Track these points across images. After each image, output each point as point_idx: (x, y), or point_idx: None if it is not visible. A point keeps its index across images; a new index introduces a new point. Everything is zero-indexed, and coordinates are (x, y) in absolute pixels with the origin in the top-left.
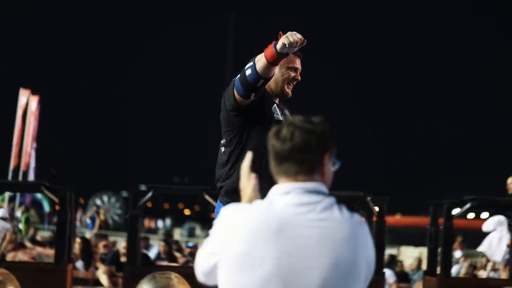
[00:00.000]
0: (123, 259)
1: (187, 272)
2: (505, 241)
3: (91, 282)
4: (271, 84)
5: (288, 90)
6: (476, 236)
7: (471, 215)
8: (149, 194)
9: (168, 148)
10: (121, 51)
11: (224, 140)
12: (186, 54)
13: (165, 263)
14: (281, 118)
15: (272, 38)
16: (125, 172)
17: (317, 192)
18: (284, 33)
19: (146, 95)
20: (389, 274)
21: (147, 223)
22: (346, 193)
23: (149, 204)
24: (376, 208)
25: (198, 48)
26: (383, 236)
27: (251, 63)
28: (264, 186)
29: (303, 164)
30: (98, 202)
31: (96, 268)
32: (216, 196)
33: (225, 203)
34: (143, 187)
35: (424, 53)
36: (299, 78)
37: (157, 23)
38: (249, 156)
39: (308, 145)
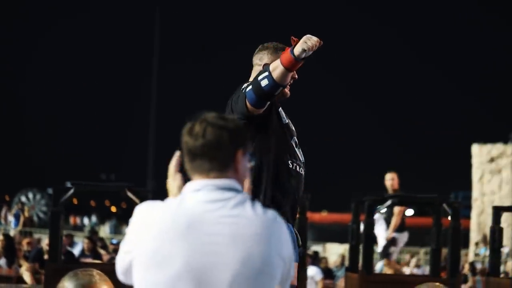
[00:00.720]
0: (46, 256)
1: (111, 269)
2: (382, 236)
3: (14, 279)
4: None
5: (287, 91)
6: None
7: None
8: (71, 191)
9: (96, 145)
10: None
11: None
12: (112, 56)
13: (89, 260)
14: (287, 121)
15: (196, 33)
16: (52, 169)
17: (229, 189)
18: (296, 37)
19: (74, 92)
20: (316, 272)
21: (73, 220)
22: None
23: (75, 201)
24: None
25: (123, 47)
26: (306, 233)
27: (265, 73)
28: (284, 189)
29: (215, 161)
30: (23, 199)
31: (20, 266)
32: (139, 193)
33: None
34: (69, 184)
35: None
36: (296, 76)
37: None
38: (176, 155)
39: (220, 142)
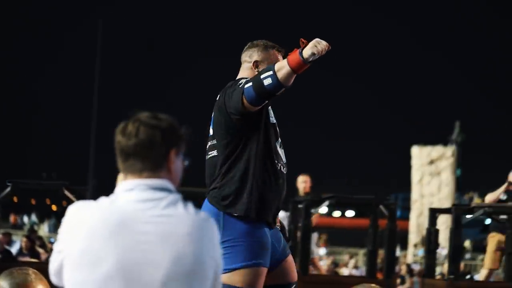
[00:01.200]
0: None
1: (47, 268)
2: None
3: None
4: None
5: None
6: (341, 234)
7: (337, 213)
8: (8, 189)
9: (38, 143)
10: None
11: (217, 143)
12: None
13: (27, 258)
14: (275, 121)
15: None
16: None
17: (162, 189)
18: (306, 39)
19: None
20: None
21: (13, 218)
22: (202, 189)
23: (15, 199)
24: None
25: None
26: None
27: (269, 72)
28: (272, 189)
29: (148, 161)
30: None
31: None
32: (76, 192)
33: (220, 207)
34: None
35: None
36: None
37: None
38: None
39: (153, 141)
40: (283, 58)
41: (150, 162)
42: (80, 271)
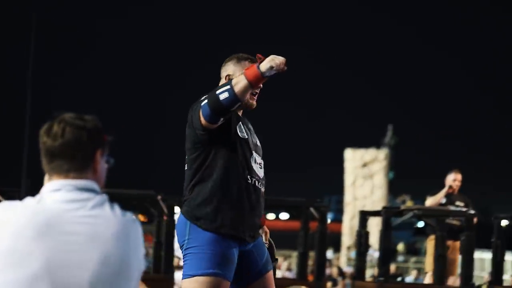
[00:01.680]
0: None
1: None
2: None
3: None
4: None
5: (252, 101)
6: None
7: (271, 216)
8: None
9: None
10: None
11: (187, 157)
12: None
13: None
14: (246, 136)
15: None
16: None
17: (88, 190)
18: (263, 55)
19: None
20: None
21: None
22: (137, 191)
23: None
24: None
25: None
26: (173, 235)
27: (227, 86)
28: (242, 204)
29: (74, 161)
30: None
31: None
32: (6, 193)
33: (190, 218)
34: None
35: None
36: (261, 85)
37: None
38: None
39: (80, 142)
40: None
41: (76, 163)
42: (6, 272)
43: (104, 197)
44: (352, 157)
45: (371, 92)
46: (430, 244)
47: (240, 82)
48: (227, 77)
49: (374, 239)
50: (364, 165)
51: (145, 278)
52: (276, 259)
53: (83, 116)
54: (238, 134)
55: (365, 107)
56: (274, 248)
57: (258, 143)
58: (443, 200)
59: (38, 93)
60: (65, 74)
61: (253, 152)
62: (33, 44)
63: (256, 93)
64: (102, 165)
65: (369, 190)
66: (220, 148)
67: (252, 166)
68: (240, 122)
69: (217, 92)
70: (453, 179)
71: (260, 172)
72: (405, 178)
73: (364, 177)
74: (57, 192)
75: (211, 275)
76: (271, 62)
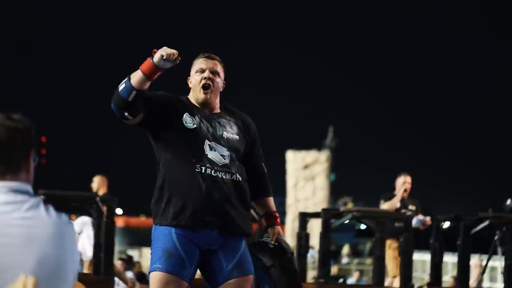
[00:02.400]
0: None
1: None
2: (89, 247)
3: None
4: (192, 94)
5: (201, 95)
6: None
7: None
8: None
9: None
10: None
11: None
12: None
13: None
14: (194, 126)
15: None
16: None
17: (23, 192)
18: (157, 49)
19: None
20: (130, 276)
21: None
22: (77, 192)
23: None
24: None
25: None
26: (113, 237)
27: (125, 79)
28: (190, 193)
29: (8, 163)
30: None
31: None
32: None
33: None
34: None
35: None
36: (208, 75)
37: None
38: None
39: (14, 143)
40: (211, 62)
41: (10, 165)
42: None
43: (39, 199)
44: (294, 159)
45: (312, 94)
46: (390, 248)
47: (135, 75)
48: (188, 78)
49: (316, 241)
50: (306, 167)
51: (84, 280)
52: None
53: (12, 116)
54: (184, 125)
55: (305, 108)
56: (284, 250)
57: (230, 136)
58: (398, 205)
59: None
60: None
61: (208, 141)
62: None
63: (207, 85)
64: (33, 165)
65: (311, 192)
66: (164, 143)
67: (204, 155)
68: (188, 113)
69: (119, 86)
70: (403, 182)
71: (220, 160)
72: (346, 180)
73: (306, 179)
74: None
75: (154, 270)
76: (162, 51)
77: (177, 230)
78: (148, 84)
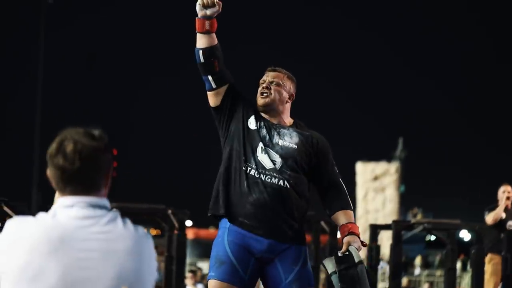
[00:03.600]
0: None
1: None
2: None
3: None
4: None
5: (259, 102)
6: None
7: None
8: None
9: None
10: None
11: None
12: None
13: None
14: (256, 128)
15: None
16: None
17: (101, 206)
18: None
19: None
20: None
21: None
22: (148, 205)
23: None
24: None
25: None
26: (184, 249)
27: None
28: (234, 192)
29: (92, 183)
30: None
31: None
32: (16, 208)
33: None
34: None
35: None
36: (266, 85)
37: None
38: None
39: (97, 164)
40: (272, 74)
41: (93, 184)
42: (21, 287)
43: (116, 213)
44: (363, 170)
45: (380, 105)
46: (490, 263)
47: (197, 39)
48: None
49: (387, 252)
50: (375, 178)
51: None
52: (361, 262)
53: (93, 133)
54: (247, 124)
55: (375, 120)
56: (350, 258)
57: (285, 144)
58: (503, 215)
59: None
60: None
61: (262, 144)
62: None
63: (264, 93)
64: (110, 181)
65: (381, 203)
66: (228, 138)
67: (254, 156)
68: (254, 116)
69: None
70: (503, 191)
71: (269, 164)
72: (416, 191)
73: (376, 190)
74: (70, 209)
75: (210, 278)
76: (198, 2)
77: (229, 237)
78: (209, 38)
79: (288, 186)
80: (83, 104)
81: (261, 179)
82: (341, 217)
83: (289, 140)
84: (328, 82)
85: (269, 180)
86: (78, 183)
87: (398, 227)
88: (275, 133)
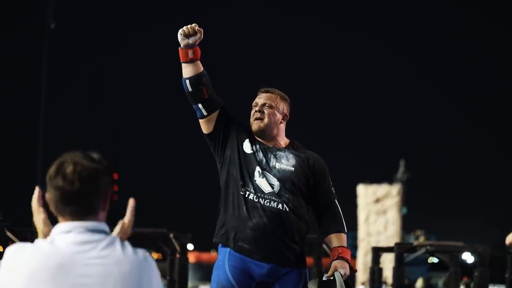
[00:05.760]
0: None
1: None
2: None
3: None
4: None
5: (253, 126)
6: None
7: None
8: None
9: None
10: None
11: None
12: None
13: None
14: (251, 152)
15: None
16: None
17: (99, 231)
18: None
19: None
20: None
21: None
22: (150, 229)
23: None
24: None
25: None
26: (186, 273)
27: None
28: (232, 216)
29: (90, 205)
30: None
31: None
32: (19, 233)
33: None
34: None
35: None
36: (259, 108)
37: None
38: (36, 191)
39: (96, 186)
40: (265, 96)
41: (91, 206)
42: None
43: (115, 237)
44: (365, 193)
45: (383, 128)
46: None
47: (182, 69)
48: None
49: (389, 275)
50: (377, 200)
51: None
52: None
53: (93, 156)
54: (243, 148)
55: (376, 143)
56: (332, 284)
57: (282, 167)
58: None
59: (51, 128)
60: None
61: (259, 168)
62: (45, 81)
63: (258, 117)
64: (108, 204)
65: (383, 225)
66: (224, 163)
67: (252, 180)
68: (249, 140)
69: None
70: None
71: (267, 188)
72: (418, 214)
73: (377, 212)
74: (68, 234)
75: None
76: (179, 31)
77: (230, 261)
78: (194, 67)
79: (287, 210)
80: (87, 126)
81: (260, 203)
82: (334, 240)
83: (286, 162)
84: (330, 101)
85: (268, 204)
86: (77, 204)
87: (400, 249)
88: (272, 156)
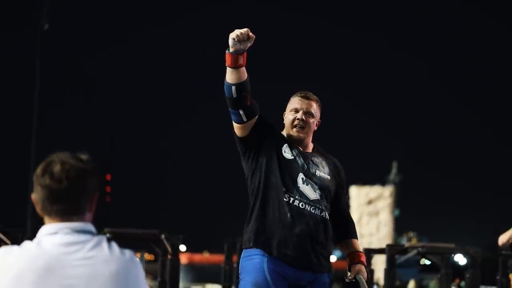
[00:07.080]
0: None
1: None
2: None
3: None
4: (285, 131)
5: (294, 133)
6: None
7: None
8: None
9: None
10: None
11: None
12: None
13: None
14: (292, 157)
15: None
16: None
17: (85, 232)
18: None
19: None
20: None
21: None
22: (141, 230)
23: None
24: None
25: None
26: (178, 274)
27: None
28: (275, 222)
29: (77, 204)
30: None
31: None
32: (10, 234)
33: (244, 251)
34: None
35: None
36: (301, 117)
37: None
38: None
39: (82, 185)
40: (306, 101)
41: (79, 206)
42: None
43: (101, 237)
44: (357, 194)
45: (375, 130)
46: None
47: (227, 72)
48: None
49: (381, 276)
50: (370, 202)
51: None
52: None
53: (81, 157)
54: (282, 154)
55: (369, 144)
56: (356, 285)
57: (322, 175)
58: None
59: (43, 133)
60: (72, 111)
61: (302, 174)
62: (38, 87)
63: (300, 125)
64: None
65: (375, 227)
66: (262, 168)
67: (296, 187)
68: (287, 145)
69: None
70: None
71: (312, 195)
72: (410, 215)
73: (370, 214)
74: (54, 235)
75: None
76: (232, 35)
77: (269, 264)
78: (241, 73)
79: (327, 217)
80: (83, 131)
81: (306, 209)
82: (351, 245)
83: (322, 170)
84: (328, 101)
85: (313, 210)
86: (64, 203)
87: (392, 251)
88: (310, 161)
